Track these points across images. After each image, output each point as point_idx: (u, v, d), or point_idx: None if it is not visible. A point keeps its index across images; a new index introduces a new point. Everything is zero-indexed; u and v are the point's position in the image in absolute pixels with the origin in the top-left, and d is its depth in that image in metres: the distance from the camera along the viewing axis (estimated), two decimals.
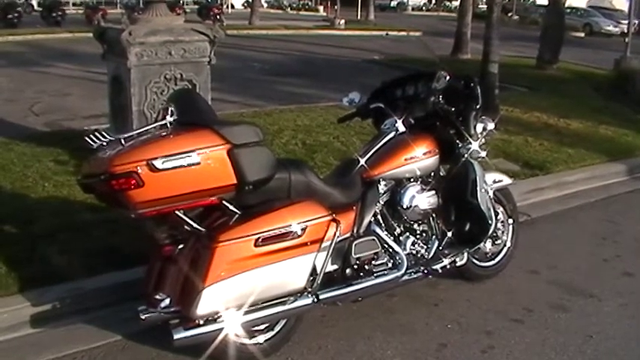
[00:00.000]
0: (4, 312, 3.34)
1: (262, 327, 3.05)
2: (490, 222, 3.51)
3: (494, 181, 3.94)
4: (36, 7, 27.52)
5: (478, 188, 3.47)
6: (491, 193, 3.69)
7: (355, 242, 3.14)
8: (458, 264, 3.70)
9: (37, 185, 4.81)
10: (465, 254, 3.70)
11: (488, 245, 3.95)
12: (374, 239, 3.23)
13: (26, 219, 4.17)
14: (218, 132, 2.62)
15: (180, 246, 2.85)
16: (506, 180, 4.04)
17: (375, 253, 3.23)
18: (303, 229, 2.81)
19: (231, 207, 2.81)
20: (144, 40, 4.84)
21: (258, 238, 2.71)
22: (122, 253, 3.78)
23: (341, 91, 3.96)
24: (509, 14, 37.14)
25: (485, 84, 8.03)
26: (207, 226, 2.82)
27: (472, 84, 3.55)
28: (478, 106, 3.54)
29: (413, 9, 49.96)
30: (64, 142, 5.97)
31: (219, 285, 2.66)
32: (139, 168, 2.45)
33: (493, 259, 4.04)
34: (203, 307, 2.65)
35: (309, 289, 2.94)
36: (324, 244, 2.91)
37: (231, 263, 2.67)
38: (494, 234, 3.90)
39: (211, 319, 2.76)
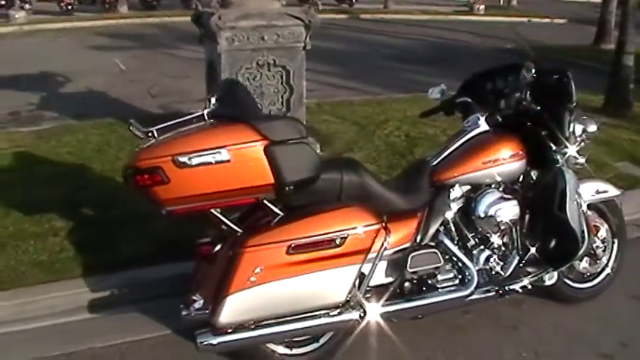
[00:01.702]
0: (64, 295, 3.40)
1: (303, 338, 2.81)
2: (580, 241, 3.00)
3: (597, 192, 3.39)
4: None
5: (568, 201, 2.97)
6: (584, 207, 3.15)
7: (412, 254, 2.79)
8: (546, 283, 3.22)
9: None
10: (555, 273, 3.22)
11: (584, 264, 3.44)
12: (435, 252, 2.86)
13: (105, 204, 4.21)
14: (255, 127, 2.38)
15: (219, 246, 2.67)
16: (613, 191, 3.46)
17: (437, 268, 2.86)
18: (344, 238, 2.53)
19: (273, 208, 2.59)
20: (235, 25, 4.72)
21: (291, 244, 2.46)
22: (188, 244, 3.69)
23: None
24: None
25: (618, 77, 7.17)
26: (248, 226, 2.62)
27: (565, 79, 3.04)
28: (572, 105, 3.03)
29: None
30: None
31: (245, 293, 2.45)
32: (163, 164, 2.30)
33: (590, 280, 3.51)
34: (226, 315, 2.46)
35: (352, 304, 2.64)
36: (370, 255, 2.60)
37: (260, 270, 2.45)
38: (592, 252, 3.38)
39: (241, 327, 2.56)
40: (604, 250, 3.49)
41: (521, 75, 3.04)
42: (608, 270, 3.53)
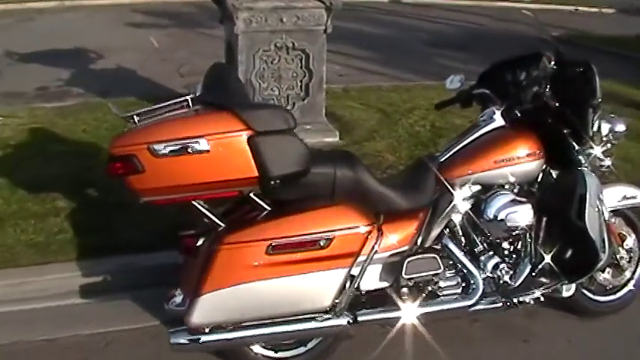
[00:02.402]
0: (56, 278, 3.32)
1: (290, 341, 2.65)
2: (600, 252, 2.74)
3: (625, 197, 3.12)
4: None
5: (587, 207, 2.71)
6: (607, 215, 2.87)
7: (409, 260, 2.58)
8: (563, 295, 2.98)
9: None
10: (573, 285, 2.97)
11: (605, 276, 3.17)
12: (435, 258, 2.63)
13: (110, 185, 4.10)
14: (238, 115, 2.20)
15: (202, 240, 2.51)
16: None
17: (435, 275, 2.64)
18: (329, 240, 2.34)
19: (260, 202, 2.42)
20: (252, 5, 4.55)
21: (271, 244, 2.29)
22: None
23: None
24: None
25: None
26: (232, 221, 2.45)
27: (589, 72, 2.76)
28: (596, 101, 2.76)
29: None
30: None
31: (221, 293, 2.29)
32: (138, 152, 2.15)
33: (613, 293, 3.24)
34: (199, 316, 2.31)
35: (339, 309, 2.46)
36: (360, 259, 2.41)
37: (237, 269, 2.29)
38: (615, 263, 3.12)
39: (218, 328, 2.41)
40: (629, 262, 3.22)
41: (540, 66, 2.78)
42: (632, 283, 3.26)
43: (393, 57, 9.64)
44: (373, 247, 2.43)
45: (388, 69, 8.67)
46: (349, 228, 2.38)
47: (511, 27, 13.56)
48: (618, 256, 3.12)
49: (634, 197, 3.15)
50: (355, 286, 2.50)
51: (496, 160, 2.74)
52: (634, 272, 3.26)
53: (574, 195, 2.73)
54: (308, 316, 2.45)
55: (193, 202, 2.36)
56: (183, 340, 2.39)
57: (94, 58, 8.47)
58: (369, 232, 2.42)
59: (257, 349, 2.63)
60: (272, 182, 2.29)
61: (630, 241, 3.20)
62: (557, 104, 2.83)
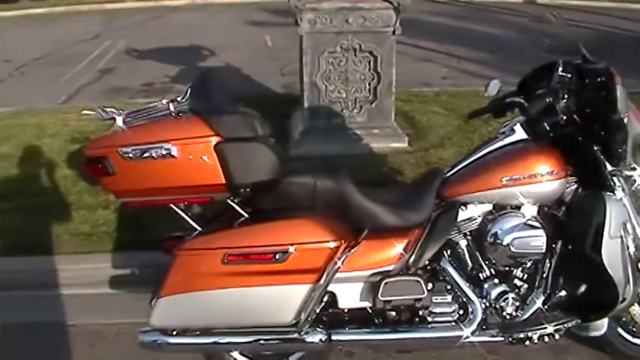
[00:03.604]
0: (90, 268, 3.50)
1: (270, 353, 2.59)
2: (621, 290, 2.39)
3: None
4: None
5: (605, 238, 2.37)
6: (632, 248, 2.49)
7: (386, 281, 2.39)
8: (591, 334, 2.65)
9: None
10: (605, 322, 2.63)
11: None
12: (418, 281, 2.42)
13: None
14: (206, 121, 2.19)
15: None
16: None
17: (418, 299, 2.43)
18: (286, 254, 2.24)
19: (238, 209, 2.38)
20: (316, 6, 4.49)
21: (226, 253, 2.24)
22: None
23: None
24: None
25: None
26: (209, 226, 2.44)
27: (609, 83, 2.40)
28: (618, 116, 2.38)
29: None
30: (270, 107, 6.02)
31: (177, 297, 2.29)
32: (110, 155, 2.20)
33: None
34: (157, 318, 2.33)
35: (305, 325, 2.35)
36: (328, 276, 2.29)
37: (193, 276, 2.28)
38: None
39: (186, 332, 2.41)
40: None
41: (555, 75, 2.48)
42: None
43: (505, 61, 9.09)
44: (336, 264, 2.29)
45: (497, 73, 8.19)
46: (313, 242, 2.28)
47: None
48: None
49: None
50: (324, 302, 2.39)
51: (503, 179, 2.47)
52: None
53: (590, 222, 2.40)
54: (277, 329, 2.38)
55: (171, 205, 2.37)
56: (150, 340, 2.41)
57: (205, 56, 8.84)
58: (339, 248, 2.29)
59: (237, 356, 2.60)
60: (241, 190, 2.26)
61: None
62: (583, 118, 2.50)
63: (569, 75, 2.50)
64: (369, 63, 4.74)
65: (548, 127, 2.58)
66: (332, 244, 2.29)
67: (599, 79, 2.43)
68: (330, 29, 4.58)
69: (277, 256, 2.24)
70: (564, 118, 2.54)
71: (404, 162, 4.59)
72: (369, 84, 4.81)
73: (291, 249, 2.24)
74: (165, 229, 3.56)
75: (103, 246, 3.61)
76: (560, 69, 2.51)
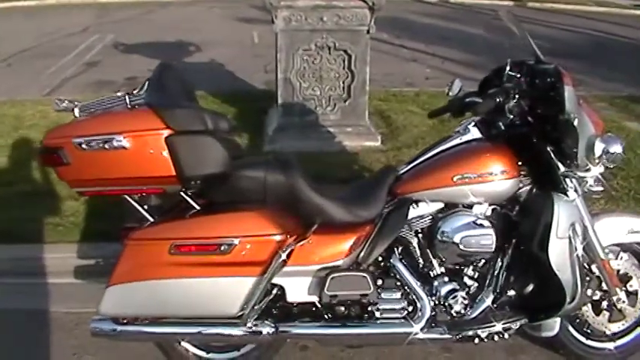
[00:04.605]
0: (55, 258, 3.51)
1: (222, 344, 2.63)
2: (569, 292, 2.43)
3: (632, 231, 2.72)
4: None
5: (552, 238, 2.40)
6: (580, 250, 2.50)
7: (332, 276, 2.43)
8: (542, 334, 2.70)
9: None
10: (556, 323, 2.66)
11: (601, 319, 2.78)
12: (364, 277, 2.45)
13: None
14: (158, 114, 2.23)
15: None
16: None
17: (364, 295, 2.46)
18: (231, 245, 2.28)
19: (190, 201, 2.42)
20: (291, 4, 4.53)
21: (172, 244, 2.28)
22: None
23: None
24: None
25: None
26: (162, 217, 2.47)
27: (557, 83, 2.42)
28: (566, 117, 2.41)
29: None
30: (249, 103, 6.06)
31: (125, 286, 2.33)
32: (65, 145, 2.24)
33: (613, 340, 2.84)
34: (106, 306, 2.37)
35: (250, 317, 2.39)
36: (268, 269, 2.32)
37: (141, 265, 2.32)
38: (613, 307, 2.72)
39: (136, 320, 2.45)
40: (635, 306, 2.80)
41: (505, 75, 2.51)
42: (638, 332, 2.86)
43: (494, 63, 9.15)
44: (280, 257, 2.32)
45: (482, 75, 8.25)
46: (258, 235, 2.31)
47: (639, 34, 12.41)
48: (615, 299, 2.71)
49: None
50: (273, 295, 2.43)
51: (454, 177, 2.50)
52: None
53: (539, 223, 2.44)
54: (225, 320, 2.41)
55: (125, 196, 2.40)
56: (101, 327, 2.45)
57: (191, 51, 8.87)
58: (285, 242, 2.33)
59: (188, 346, 2.64)
60: (191, 182, 2.30)
61: (636, 282, 2.78)
62: (535, 119, 2.53)
63: (518, 75, 2.53)
64: (344, 61, 4.78)
65: (503, 127, 2.61)
66: (278, 238, 2.32)
67: (548, 80, 2.46)
68: (305, 27, 4.62)
69: (222, 248, 2.28)
70: (518, 118, 2.57)
71: (375, 160, 4.62)
72: (343, 82, 4.84)
73: (236, 241, 2.28)
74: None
75: (71, 237, 3.64)
76: (508, 68, 2.54)
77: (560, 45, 11.14)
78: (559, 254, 2.43)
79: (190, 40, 9.39)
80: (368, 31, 4.66)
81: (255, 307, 2.37)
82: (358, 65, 4.75)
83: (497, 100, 2.50)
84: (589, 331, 2.82)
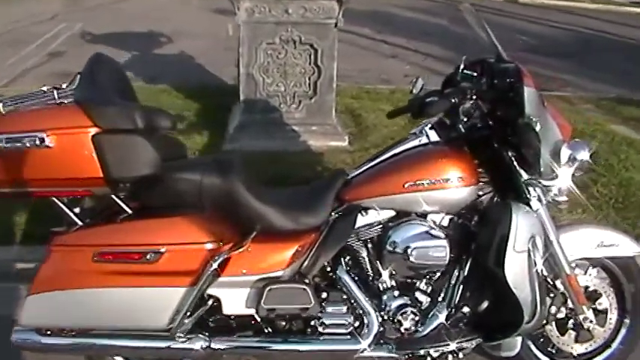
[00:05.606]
0: None
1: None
2: (528, 311, 2.24)
3: (602, 245, 2.53)
4: None
5: (509, 252, 2.22)
6: (540, 265, 2.30)
7: (270, 287, 2.23)
8: (502, 354, 2.51)
9: None
10: (518, 342, 2.48)
11: (566, 339, 2.60)
12: (304, 289, 2.25)
13: None
14: (86, 111, 2.06)
15: None
16: (627, 246, 2.56)
17: (304, 309, 2.27)
18: (158, 254, 2.12)
19: (122, 204, 2.22)
20: None
21: (96, 251, 2.11)
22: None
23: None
24: None
25: None
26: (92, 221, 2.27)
27: (517, 84, 2.24)
28: (526, 120, 2.21)
29: None
30: (215, 98, 5.85)
31: (46, 295, 2.17)
32: None
33: None
34: (26, 316, 2.20)
35: (180, 331, 2.20)
36: (199, 279, 2.13)
37: (64, 273, 2.16)
38: (580, 327, 2.53)
39: (62, 332, 2.26)
40: (604, 326, 2.63)
41: (458, 74, 2.33)
42: (609, 353, 2.68)
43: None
44: (212, 267, 2.13)
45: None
46: (188, 243, 2.14)
47: (634, 33, 12.34)
48: (582, 317, 2.51)
49: (614, 245, 2.55)
50: (208, 307, 2.26)
51: (406, 183, 2.31)
52: (613, 339, 2.67)
53: (494, 235, 2.25)
54: (153, 334, 2.22)
55: (53, 198, 2.20)
56: (22, 339, 2.27)
57: (162, 43, 8.60)
58: (218, 250, 2.14)
59: None
60: (120, 185, 2.12)
61: (605, 300, 2.61)
62: (495, 121, 2.35)
63: (475, 74, 2.35)
64: (310, 56, 4.57)
65: (463, 130, 2.43)
66: (210, 246, 2.15)
67: (507, 80, 2.28)
68: (269, 19, 4.40)
69: (148, 257, 2.12)
70: (478, 120, 2.39)
71: (340, 162, 4.41)
72: (309, 78, 4.63)
73: (163, 249, 2.12)
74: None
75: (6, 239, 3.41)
76: (463, 67, 2.36)
77: (548, 42, 11.03)
78: (516, 269, 2.24)
79: (161, 30, 9.11)
80: (336, 25, 4.45)
81: (186, 320, 2.19)
82: (325, 61, 4.54)
83: (453, 100, 2.31)
84: (553, 351, 2.65)
